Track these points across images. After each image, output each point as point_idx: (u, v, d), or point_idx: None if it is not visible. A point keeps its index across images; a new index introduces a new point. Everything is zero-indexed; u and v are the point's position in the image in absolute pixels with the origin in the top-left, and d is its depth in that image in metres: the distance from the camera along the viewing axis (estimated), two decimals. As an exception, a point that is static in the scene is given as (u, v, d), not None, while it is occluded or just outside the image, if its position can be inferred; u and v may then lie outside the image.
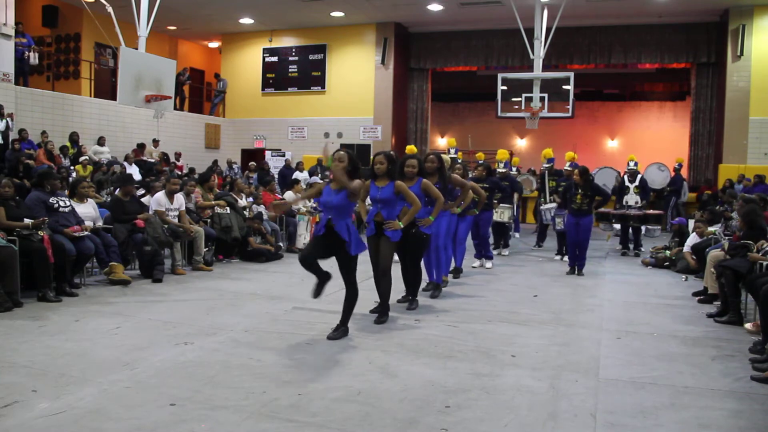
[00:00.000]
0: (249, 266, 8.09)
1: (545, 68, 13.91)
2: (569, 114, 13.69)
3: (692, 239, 8.15)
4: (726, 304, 5.57)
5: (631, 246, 10.20)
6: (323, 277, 4.69)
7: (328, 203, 4.58)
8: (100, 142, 13.97)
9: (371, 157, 5.86)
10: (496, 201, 8.91)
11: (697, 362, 4.30)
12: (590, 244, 10.95)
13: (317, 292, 4.74)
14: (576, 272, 8.01)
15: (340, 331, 4.70)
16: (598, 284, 7.44)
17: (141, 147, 14.79)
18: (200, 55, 20.71)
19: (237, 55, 18.78)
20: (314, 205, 10.00)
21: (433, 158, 6.22)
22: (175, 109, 14.76)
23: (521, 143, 22.02)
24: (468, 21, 16.21)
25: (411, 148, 11.12)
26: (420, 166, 5.68)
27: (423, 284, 6.54)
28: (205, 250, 7.83)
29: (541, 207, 10.48)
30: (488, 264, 8.45)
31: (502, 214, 9.32)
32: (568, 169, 10.53)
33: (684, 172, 15.58)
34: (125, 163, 13.37)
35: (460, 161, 7.78)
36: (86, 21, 14.63)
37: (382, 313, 5.26)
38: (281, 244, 9.42)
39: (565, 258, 8.93)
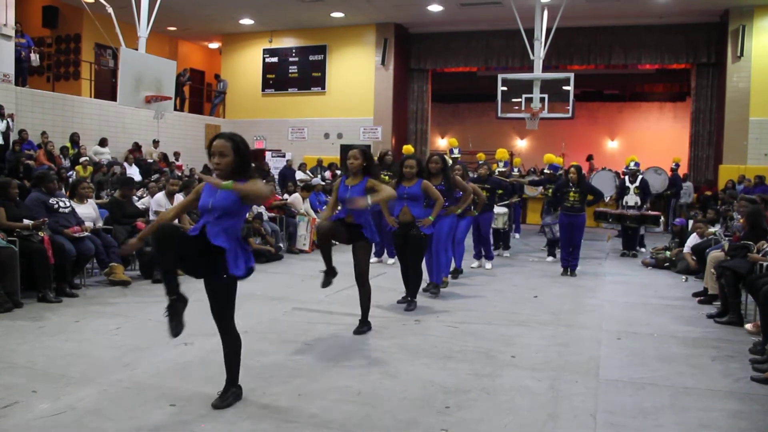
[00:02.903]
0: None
1: (545, 69, 13.91)
2: (569, 115, 13.70)
3: (692, 240, 8.15)
4: (726, 305, 5.57)
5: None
6: (177, 307, 3.18)
7: (206, 206, 3.22)
8: (102, 143, 13.96)
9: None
10: (496, 201, 8.92)
11: (697, 363, 4.29)
12: (590, 245, 11.04)
13: (175, 328, 3.20)
14: (569, 273, 8.00)
15: (231, 395, 3.34)
16: (598, 285, 7.44)
17: (137, 147, 14.77)
18: (200, 55, 20.71)
19: (237, 56, 18.78)
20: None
21: (437, 159, 6.25)
22: (176, 109, 14.75)
23: (521, 144, 22.03)
24: (468, 21, 16.21)
25: (408, 148, 11.14)
26: (419, 167, 5.65)
27: (423, 284, 6.55)
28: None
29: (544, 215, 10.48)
30: (488, 265, 8.45)
31: (496, 220, 9.33)
32: (548, 171, 10.67)
33: (683, 172, 15.59)
34: (125, 164, 13.37)
35: (460, 162, 7.80)
36: (86, 22, 14.63)
37: (362, 323, 4.96)
38: (281, 244, 9.42)
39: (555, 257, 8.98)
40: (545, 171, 10.98)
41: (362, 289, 4.90)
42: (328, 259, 4.88)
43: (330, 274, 4.92)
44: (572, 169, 8.22)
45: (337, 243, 5.04)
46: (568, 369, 4.08)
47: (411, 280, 5.77)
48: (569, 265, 8.04)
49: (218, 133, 3.36)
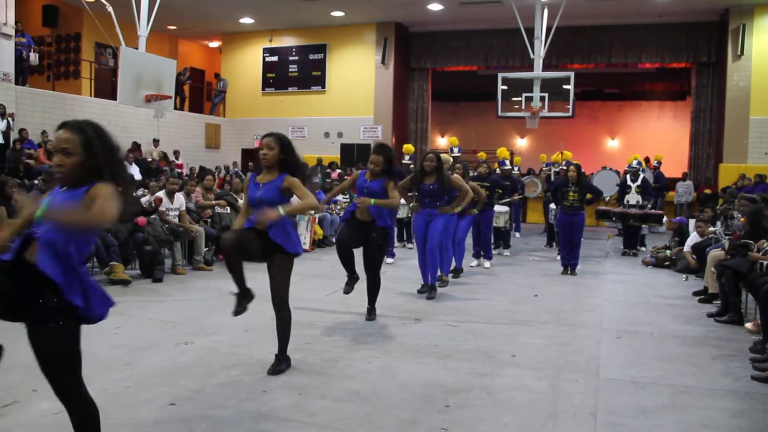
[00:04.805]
0: (249, 266, 8.05)
1: (545, 68, 13.90)
2: (569, 114, 13.70)
3: (693, 239, 8.15)
4: (726, 304, 5.56)
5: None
6: None
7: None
8: None
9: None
10: (495, 200, 8.91)
11: (697, 362, 4.29)
12: (591, 244, 11.04)
13: None
14: (569, 272, 8.00)
15: None
16: (598, 284, 7.43)
17: (137, 146, 14.73)
18: (200, 54, 20.70)
19: (237, 55, 18.77)
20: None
21: (432, 157, 6.12)
22: (176, 108, 14.74)
23: (521, 143, 22.01)
24: (468, 21, 16.20)
25: (408, 147, 11.15)
26: (388, 164, 5.04)
27: (418, 285, 6.51)
28: (205, 249, 7.84)
29: (551, 206, 10.48)
30: (487, 264, 8.44)
31: (497, 219, 9.33)
32: (546, 168, 10.65)
33: (682, 171, 15.60)
34: (125, 163, 13.34)
35: (460, 163, 7.79)
36: (86, 21, 14.62)
37: (279, 360, 3.87)
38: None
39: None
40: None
41: (279, 314, 3.82)
42: (239, 280, 3.85)
43: (243, 297, 3.89)
44: (571, 167, 8.21)
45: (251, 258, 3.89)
46: (569, 368, 4.08)
47: (370, 286, 5.24)
48: (569, 264, 8.04)
49: (64, 121, 2.31)
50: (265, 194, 3.72)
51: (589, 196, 8.12)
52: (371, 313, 5.31)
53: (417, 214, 6.39)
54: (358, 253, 5.13)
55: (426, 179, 6.12)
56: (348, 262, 5.12)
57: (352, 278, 5.19)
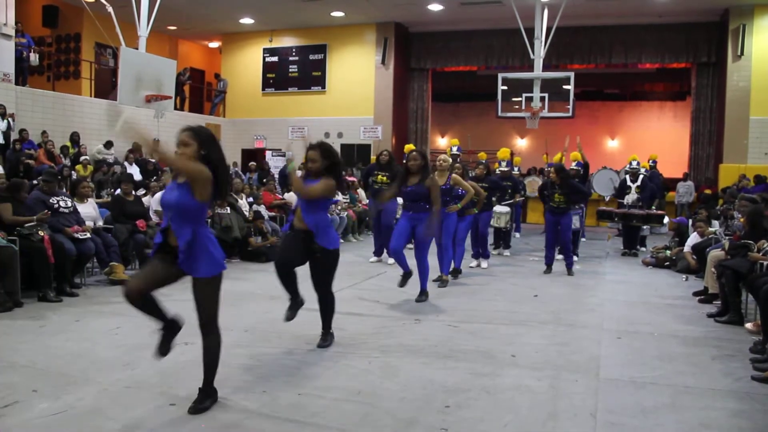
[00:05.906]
0: (249, 266, 8.07)
1: (545, 68, 13.91)
2: (569, 114, 13.71)
3: (693, 239, 8.15)
4: (726, 304, 5.57)
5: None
6: None
7: None
8: (107, 145, 13.92)
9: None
10: (494, 200, 8.90)
11: (697, 362, 4.29)
12: (590, 244, 11.05)
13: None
14: (566, 272, 7.97)
15: None
16: (598, 284, 7.43)
17: (138, 147, 14.74)
18: (200, 55, 20.70)
19: (237, 55, 18.77)
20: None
21: (416, 156, 5.86)
22: (176, 109, 14.74)
23: (521, 143, 22.01)
24: (468, 21, 16.20)
25: (409, 148, 11.14)
26: (331, 159, 4.28)
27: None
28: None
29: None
30: (484, 264, 8.43)
31: (498, 219, 9.31)
32: (575, 168, 10.58)
33: (683, 171, 15.60)
34: (126, 163, 13.38)
35: (460, 163, 7.75)
36: (86, 21, 14.61)
37: (204, 393, 3.23)
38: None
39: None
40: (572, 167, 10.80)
41: (206, 339, 3.23)
42: (158, 314, 3.46)
43: (170, 330, 3.46)
44: (552, 170, 8.17)
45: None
46: (569, 368, 4.08)
47: (323, 306, 4.45)
48: (566, 264, 8.03)
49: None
50: (179, 197, 3.09)
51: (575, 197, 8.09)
52: (326, 339, 4.43)
53: (401, 215, 6.09)
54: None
55: (411, 179, 5.84)
56: (289, 284, 4.33)
57: (296, 302, 4.40)
